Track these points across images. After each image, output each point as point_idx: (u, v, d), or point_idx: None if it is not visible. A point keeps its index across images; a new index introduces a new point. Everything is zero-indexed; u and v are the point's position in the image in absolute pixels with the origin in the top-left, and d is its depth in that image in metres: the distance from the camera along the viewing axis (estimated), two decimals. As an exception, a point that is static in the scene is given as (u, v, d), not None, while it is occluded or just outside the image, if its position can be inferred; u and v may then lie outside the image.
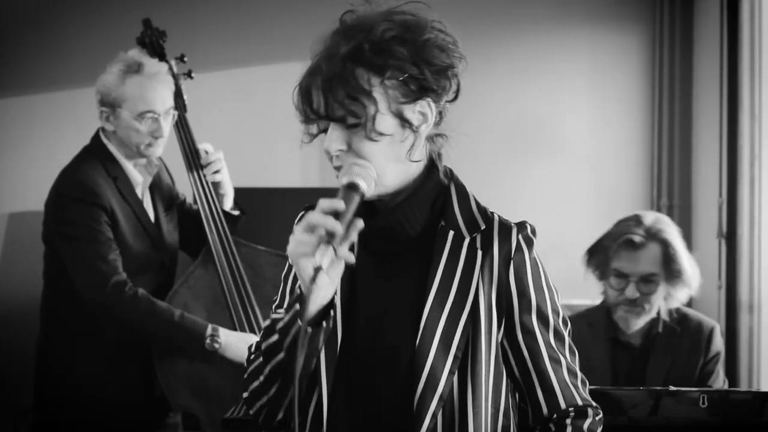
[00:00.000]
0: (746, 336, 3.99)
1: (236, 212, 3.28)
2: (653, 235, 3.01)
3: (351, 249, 1.74)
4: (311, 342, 1.64)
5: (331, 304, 1.66)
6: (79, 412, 3.06)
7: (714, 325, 3.11)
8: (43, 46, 4.27)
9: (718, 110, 4.12)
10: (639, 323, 3.03)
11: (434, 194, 1.73)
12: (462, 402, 1.68)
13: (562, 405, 1.73)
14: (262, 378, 1.72)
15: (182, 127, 3.24)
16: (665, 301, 3.05)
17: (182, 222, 3.28)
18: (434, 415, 1.65)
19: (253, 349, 1.76)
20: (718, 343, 3.09)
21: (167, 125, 3.07)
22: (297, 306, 1.64)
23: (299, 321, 1.62)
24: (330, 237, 1.56)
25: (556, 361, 1.73)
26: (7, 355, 4.13)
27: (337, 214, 1.58)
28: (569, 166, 4.45)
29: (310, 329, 1.63)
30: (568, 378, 1.74)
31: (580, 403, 1.75)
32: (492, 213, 1.76)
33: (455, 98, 1.71)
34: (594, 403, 1.77)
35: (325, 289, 1.63)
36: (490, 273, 1.70)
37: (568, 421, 1.73)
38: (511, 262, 1.70)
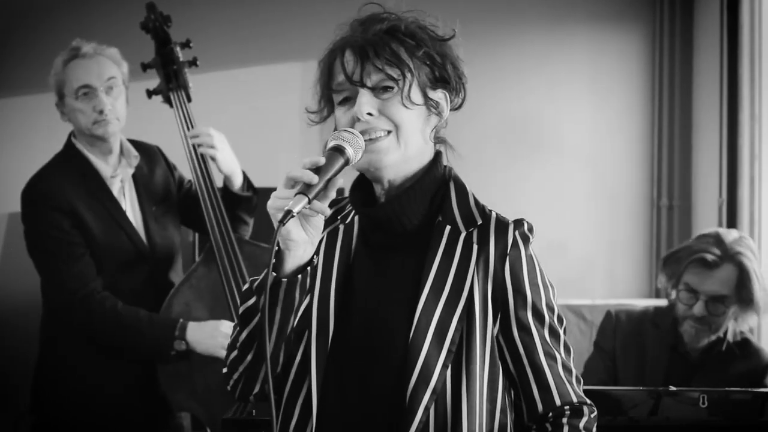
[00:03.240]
0: (746, 336, 3.99)
1: (247, 193, 3.22)
2: (730, 257, 2.90)
3: (349, 242, 1.77)
4: (287, 294, 1.65)
5: (309, 263, 1.68)
6: (78, 412, 3.05)
7: None
8: (43, 45, 4.26)
9: (718, 110, 4.12)
10: (703, 340, 2.95)
11: (433, 190, 1.75)
12: (456, 397, 1.68)
13: (557, 401, 1.73)
14: (238, 345, 1.73)
15: (183, 114, 3.18)
16: (734, 322, 2.96)
17: (187, 203, 3.24)
18: (426, 409, 1.66)
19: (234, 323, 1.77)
20: None
21: (111, 100, 3.02)
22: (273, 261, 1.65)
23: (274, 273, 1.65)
24: (306, 188, 1.59)
25: (551, 357, 1.74)
26: (7, 355, 4.13)
27: (317, 170, 1.61)
28: (569, 166, 4.45)
29: (284, 280, 1.64)
30: (563, 374, 1.74)
31: (574, 400, 1.75)
32: (490, 210, 1.77)
33: (460, 106, 1.78)
34: (588, 401, 1.77)
35: (303, 247, 1.65)
36: (486, 268, 1.70)
37: (565, 420, 1.73)
38: (507, 258, 1.71)
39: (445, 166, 1.79)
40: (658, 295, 4.35)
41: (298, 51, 4.23)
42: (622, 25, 4.48)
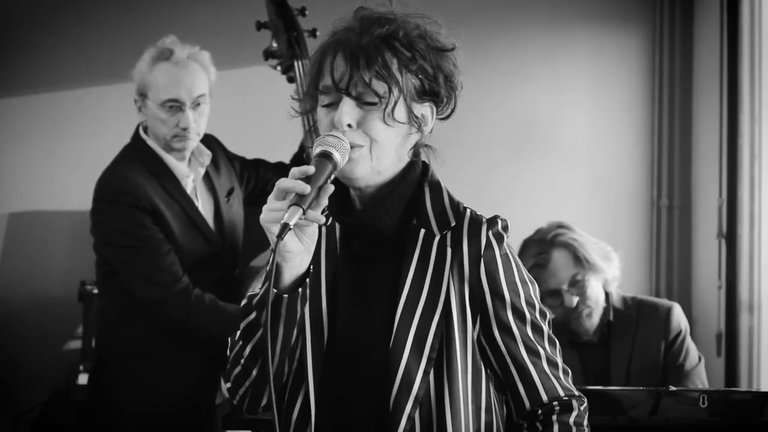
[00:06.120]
0: (746, 336, 3.99)
1: None
2: (551, 244, 3.05)
3: (333, 248, 1.75)
4: (289, 308, 1.63)
5: (307, 274, 1.65)
6: (135, 410, 2.96)
7: (672, 305, 3.12)
8: (43, 46, 4.26)
9: (718, 110, 4.11)
10: (594, 321, 3.04)
11: (409, 194, 1.73)
12: (439, 402, 1.67)
13: (544, 398, 1.73)
14: (242, 361, 1.71)
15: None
16: (605, 287, 3.07)
17: (250, 177, 3.19)
18: (410, 417, 1.65)
19: (235, 337, 1.74)
20: (679, 321, 3.09)
21: (198, 116, 2.92)
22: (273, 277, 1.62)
23: (275, 289, 1.62)
24: (299, 198, 1.57)
25: (534, 353, 1.73)
26: (7, 355, 4.13)
27: (308, 179, 1.58)
28: (569, 166, 4.44)
29: (285, 296, 1.62)
30: (548, 369, 1.74)
31: (562, 394, 1.74)
32: (465, 208, 1.75)
33: (449, 116, 1.75)
34: (577, 392, 1.76)
35: (300, 257, 1.62)
36: (461, 271, 1.69)
37: (554, 417, 1.73)
38: (482, 259, 1.70)
39: (424, 164, 1.77)
40: (658, 295, 4.36)
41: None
42: (622, 25, 4.48)
